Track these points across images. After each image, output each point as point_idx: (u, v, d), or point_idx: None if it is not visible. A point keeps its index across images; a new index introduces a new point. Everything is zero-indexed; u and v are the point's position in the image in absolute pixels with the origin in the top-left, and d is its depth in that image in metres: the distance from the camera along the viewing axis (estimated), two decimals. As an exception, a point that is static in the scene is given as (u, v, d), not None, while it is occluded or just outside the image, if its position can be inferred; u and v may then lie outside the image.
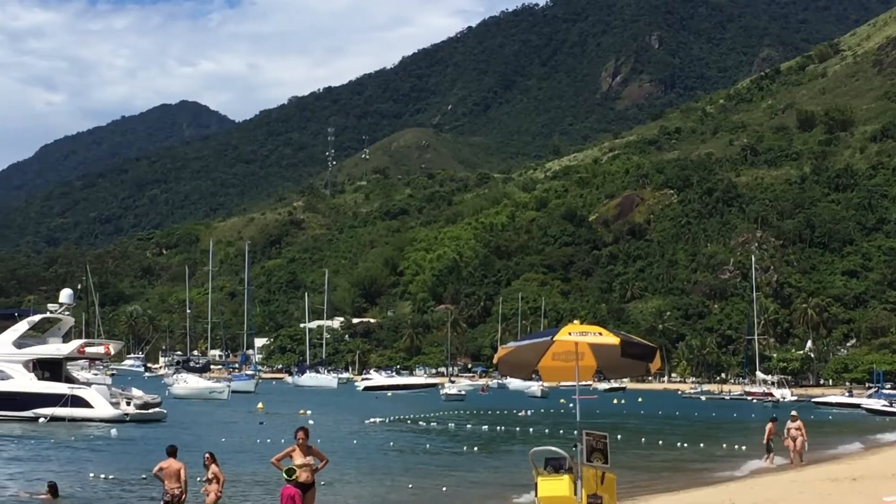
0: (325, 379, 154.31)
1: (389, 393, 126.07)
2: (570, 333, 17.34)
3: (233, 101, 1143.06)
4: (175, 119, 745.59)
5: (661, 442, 52.84)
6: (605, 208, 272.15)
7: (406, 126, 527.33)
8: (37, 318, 65.64)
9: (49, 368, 60.99)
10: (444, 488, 31.10)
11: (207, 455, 25.59)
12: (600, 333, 17.38)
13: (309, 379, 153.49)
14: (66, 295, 67.04)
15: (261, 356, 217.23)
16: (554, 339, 17.58)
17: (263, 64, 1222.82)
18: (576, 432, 17.92)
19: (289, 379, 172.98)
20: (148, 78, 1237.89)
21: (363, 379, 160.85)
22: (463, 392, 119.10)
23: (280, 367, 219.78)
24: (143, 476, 31.49)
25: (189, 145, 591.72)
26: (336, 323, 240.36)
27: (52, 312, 66.22)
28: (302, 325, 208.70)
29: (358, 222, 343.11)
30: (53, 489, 26.65)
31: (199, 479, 26.40)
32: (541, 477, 17.64)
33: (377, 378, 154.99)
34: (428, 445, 49.70)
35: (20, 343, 61.69)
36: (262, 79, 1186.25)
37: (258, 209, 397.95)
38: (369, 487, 31.21)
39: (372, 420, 68.08)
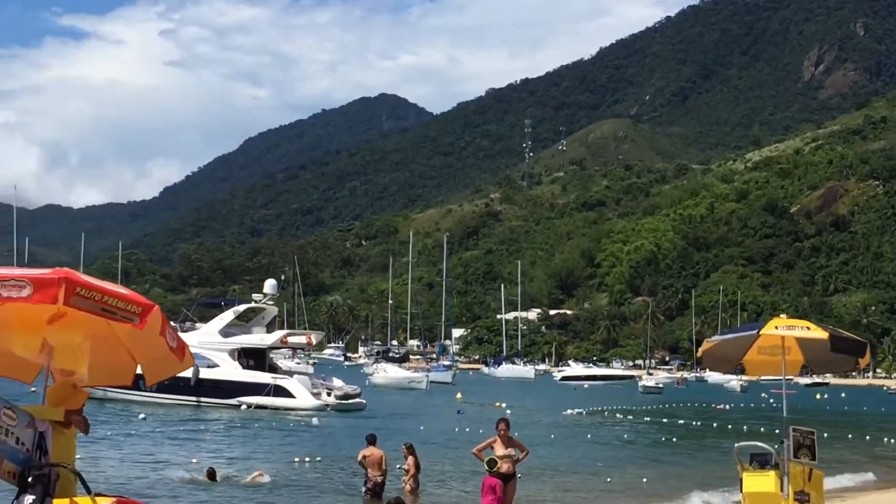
0: (522, 370, 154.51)
1: (586, 384, 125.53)
2: (776, 328, 16.81)
3: (431, 93, 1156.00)
4: (374, 112, 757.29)
5: (867, 437, 51.28)
6: (807, 200, 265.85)
7: (603, 117, 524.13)
8: (242, 307, 67.09)
9: (253, 357, 62.30)
10: (645, 479, 30.70)
11: (405, 445, 25.88)
12: (808, 328, 16.81)
13: (505, 370, 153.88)
14: (270, 285, 68.26)
15: (458, 347, 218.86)
16: (760, 332, 17.10)
17: (462, 56, 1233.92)
18: (780, 429, 17.44)
19: (485, 370, 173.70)
20: (349, 72, 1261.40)
21: (560, 370, 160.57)
22: (660, 385, 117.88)
23: (477, 357, 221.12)
24: (346, 462, 32.05)
25: (388, 138, 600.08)
26: (532, 314, 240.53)
27: (256, 302, 67.57)
28: (499, 317, 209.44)
29: (555, 214, 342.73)
30: (212, 474, 27.33)
31: (398, 466, 26.67)
32: (746, 472, 17.21)
33: (575, 368, 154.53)
34: (626, 437, 49.18)
35: (226, 332, 63.14)
36: (461, 71, 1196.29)
37: (455, 201, 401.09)
38: (569, 479, 30.98)
39: (569, 411, 67.77)
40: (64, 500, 9.57)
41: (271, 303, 67.47)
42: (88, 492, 9.77)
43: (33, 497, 9.55)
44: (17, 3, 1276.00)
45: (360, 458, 24.69)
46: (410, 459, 25.62)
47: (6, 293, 9.12)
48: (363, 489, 24.64)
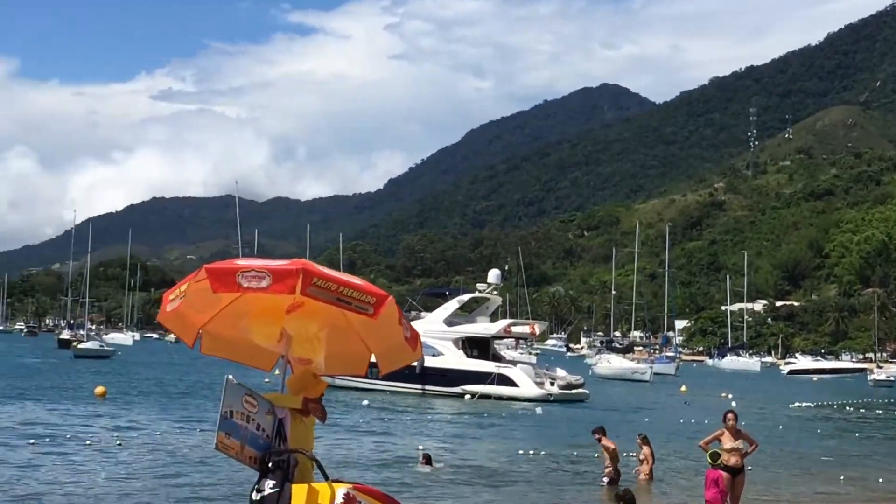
0: (748, 362, 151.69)
1: (815, 377, 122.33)
2: None
3: (653, 83, 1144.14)
4: (596, 102, 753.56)
5: None
6: None
7: (831, 104, 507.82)
8: (466, 297, 67.73)
9: (477, 346, 62.83)
10: (880, 480, 29.62)
11: (640, 436, 25.84)
12: None
13: (730, 362, 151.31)
14: (494, 275, 68.69)
15: (681, 338, 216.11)
16: None
17: (685, 45, 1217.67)
18: None
19: (709, 361, 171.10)
20: (571, 62, 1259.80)
21: (786, 363, 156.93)
22: (892, 378, 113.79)
23: (700, 349, 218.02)
24: (571, 452, 31.99)
25: (610, 128, 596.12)
26: (758, 306, 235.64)
27: (480, 292, 68.21)
28: (723, 308, 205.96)
29: (781, 203, 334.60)
30: (428, 459, 27.60)
31: (629, 455, 26.47)
32: None
33: (803, 361, 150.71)
34: (857, 434, 47.61)
35: (450, 321, 63.85)
36: (683, 60, 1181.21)
37: (678, 191, 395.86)
38: (798, 476, 30.15)
39: (797, 404, 66.12)
40: (302, 486, 9.80)
41: (495, 293, 67.82)
42: (326, 478, 9.99)
43: (273, 482, 9.82)
44: (247, 1, 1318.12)
45: (604, 448, 24.84)
46: (646, 449, 25.65)
47: (246, 283, 9.40)
48: (603, 479, 24.61)
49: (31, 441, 30.28)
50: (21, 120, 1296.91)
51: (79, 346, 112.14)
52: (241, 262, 9.63)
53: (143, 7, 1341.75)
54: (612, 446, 24.86)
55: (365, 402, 50.20)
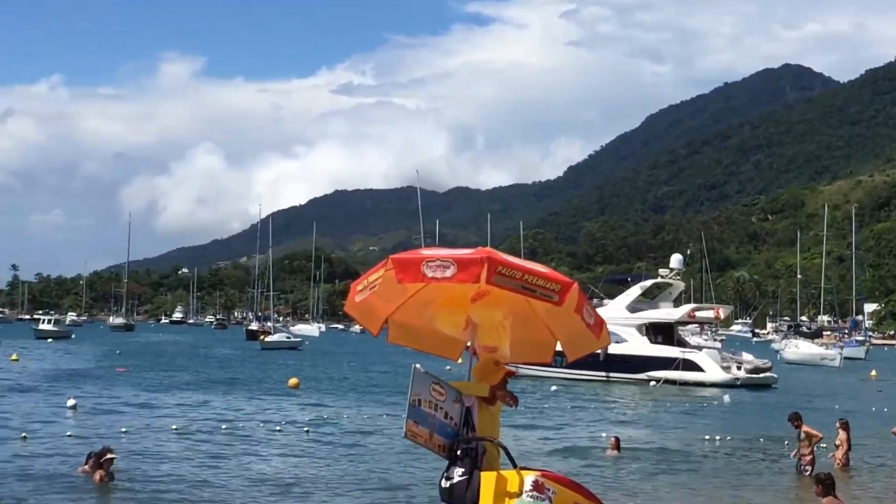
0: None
1: None
2: None
3: (838, 61, 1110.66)
4: (778, 83, 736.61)
5: None
6: None
7: None
8: (648, 283, 67.31)
9: (661, 332, 62.33)
10: None
11: (840, 421, 25.35)
12: None
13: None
14: (676, 260, 68.09)
15: (871, 322, 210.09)
16: None
17: (870, 22, 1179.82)
18: None
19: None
20: (752, 43, 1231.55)
21: None
22: None
23: (892, 332, 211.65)
24: (760, 440, 31.45)
25: (792, 109, 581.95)
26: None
27: (662, 278, 67.64)
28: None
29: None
30: (617, 443, 27.53)
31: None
32: None
33: None
34: None
35: (633, 307, 63.53)
36: (868, 37, 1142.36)
37: (865, 171, 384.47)
38: None
39: None
40: (491, 473, 9.85)
41: (678, 278, 67.17)
42: (514, 465, 10.02)
43: (462, 469, 9.90)
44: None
45: (802, 435, 24.33)
46: (843, 434, 25.11)
47: (431, 273, 9.48)
48: (806, 468, 24.09)
49: (224, 428, 31.22)
50: (207, 117, 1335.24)
51: (266, 338, 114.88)
52: (426, 252, 9.72)
53: (324, 4, 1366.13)
54: (817, 434, 24.37)
55: (553, 388, 50.32)
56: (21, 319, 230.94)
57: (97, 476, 20.47)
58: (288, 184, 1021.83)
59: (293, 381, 51.60)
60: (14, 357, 71.13)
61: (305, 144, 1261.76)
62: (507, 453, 10.13)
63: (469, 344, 10.85)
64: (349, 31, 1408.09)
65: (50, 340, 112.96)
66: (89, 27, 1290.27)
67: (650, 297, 66.77)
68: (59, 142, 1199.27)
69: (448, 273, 9.38)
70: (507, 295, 9.66)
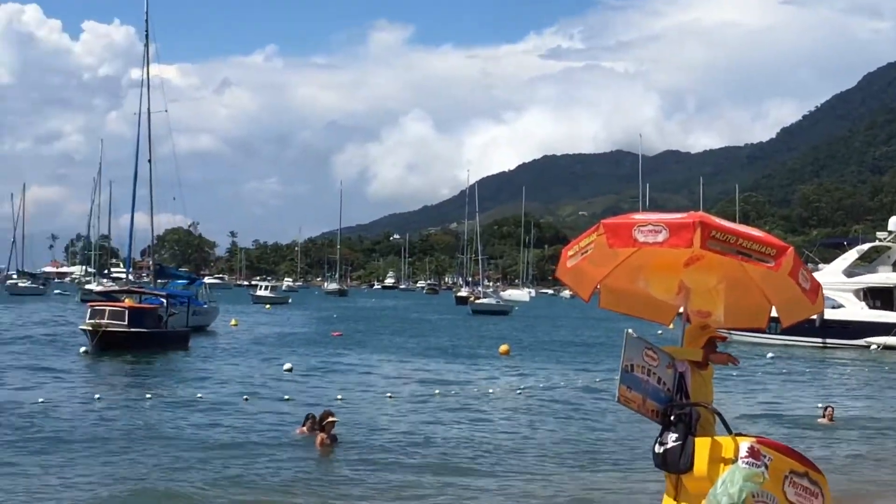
0: None
1: None
2: None
3: None
4: None
5: None
6: None
7: None
8: (866, 246, 65.54)
9: (879, 297, 60.56)
10: None
11: None
12: None
13: None
14: (894, 223, 65.90)
15: None
16: None
17: None
18: None
19: None
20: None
21: None
22: None
23: None
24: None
25: None
26: None
27: (880, 241, 65.69)
28: None
29: None
30: (832, 413, 26.93)
31: None
32: None
33: None
34: None
35: (850, 272, 61.90)
36: None
37: None
38: None
39: None
40: (705, 439, 9.78)
41: (896, 242, 65.07)
42: (729, 431, 9.93)
43: (676, 435, 9.86)
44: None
45: None
46: None
47: (643, 238, 9.44)
48: None
49: (437, 391, 31.74)
50: (418, 84, 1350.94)
51: (476, 301, 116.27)
52: (638, 217, 9.67)
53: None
54: None
55: (769, 355, 49.54)
56: (239, 285, 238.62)
57: (319, 439, 20.98)
58: (497, 149, 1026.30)
59: (504, 347, 51.96)
60: (234, 322, 73.71)
61: (514, 110, 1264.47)
62: (722, 419, 10.04)
63: (682, 309, 10.78)
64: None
65: (268, 306, 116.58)
66: (301, 0, 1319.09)
67: (868, 261, 65.04)
68: (274, 111, 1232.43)
69: (660, 238, 9.32)
70: (721, 259, 9.56)
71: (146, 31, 70.21)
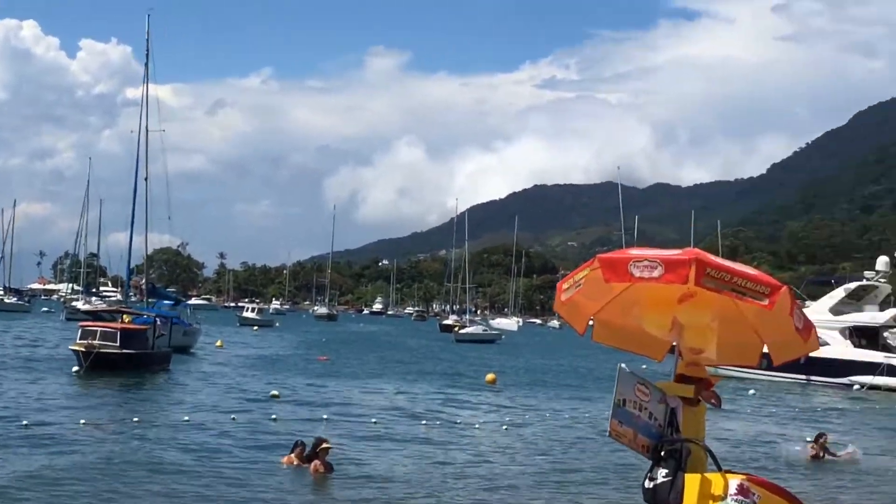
0: None
1: None
2: None
3: None
4: None
5: None
6: None
7: None
8: (853, 285, 65.51)
9: (865, 336, 60.57)
10: None
11: None
12: None
13: None
14: (882, 262, 66.09)
15: None
16: None
17: None
18: None
19: None
20: None
21: None
22: None
23: None
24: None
25: None
26: None
27: (868, 280, 65.79)
28: None
29: None
30: (819, 448, 26.85)
31: None
32: None
33: None
34: None
35: (837, 310, 61.98)
36: None
37: None
38: None
39: None
40: (695, 475, 9.83)
41: (884, 280, 65.22)
42: (719, 468, 9.98)
43: (666, 470, 9.91)
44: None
45: None
46: None
47: (639, 273, 9.52)
48: None
49: (424, 423, 31.63)
50: (411, 110, 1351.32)
51: (460, 330, 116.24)
52: (634, 252, 9.75)
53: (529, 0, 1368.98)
54: None
55: (751, 391, 49.53)
56: (227, 307, 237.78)
57: (313, 467, 20.68)
58: (488, 177, 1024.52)
59: (490, 376, 51.77)
60: (219, 343, 73.54)
61: (506, 138, 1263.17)
62: (713, 456, 10.10)
63: (674, 345, 10.84)
64: (553, 25, 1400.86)
65: (255, 328, 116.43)
66: (300, 25, 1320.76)
67: (855, 300, 64.99)
68: (268, 133, 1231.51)
69: (655, 273, 9.40)
70: (715, 297, 9.63)
71: (146, 50, 69.87)
